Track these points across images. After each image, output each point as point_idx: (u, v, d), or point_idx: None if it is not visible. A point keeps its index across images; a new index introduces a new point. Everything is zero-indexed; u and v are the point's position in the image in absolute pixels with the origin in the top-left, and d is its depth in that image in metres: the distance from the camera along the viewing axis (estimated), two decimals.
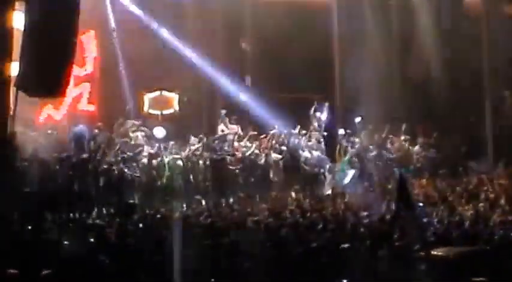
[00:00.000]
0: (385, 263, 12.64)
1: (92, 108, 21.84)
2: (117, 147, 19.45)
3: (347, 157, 21.01)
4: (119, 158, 19.15)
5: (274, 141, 20.67)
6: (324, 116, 21.96)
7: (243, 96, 22.34)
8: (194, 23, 22.53)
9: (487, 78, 23.27)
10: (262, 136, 20.93)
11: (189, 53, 21.93)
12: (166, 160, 19.56)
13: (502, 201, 16.59)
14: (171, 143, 20.20)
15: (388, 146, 21.50)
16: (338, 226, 14.35)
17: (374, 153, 21.18)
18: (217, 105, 22.57)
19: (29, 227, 14.17)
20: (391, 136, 21.61)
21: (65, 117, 21.34)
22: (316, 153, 20.97)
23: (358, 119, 21.98)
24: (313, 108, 21.86)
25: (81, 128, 20.20)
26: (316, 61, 23.05)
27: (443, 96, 23.04)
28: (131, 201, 17.96)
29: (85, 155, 18.98)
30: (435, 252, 12.61)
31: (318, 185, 20.41)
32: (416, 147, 21.73)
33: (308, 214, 15.87)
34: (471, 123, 23.36)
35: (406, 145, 21.70)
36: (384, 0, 23.94)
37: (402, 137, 21.71)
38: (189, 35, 22.26)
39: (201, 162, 19.91)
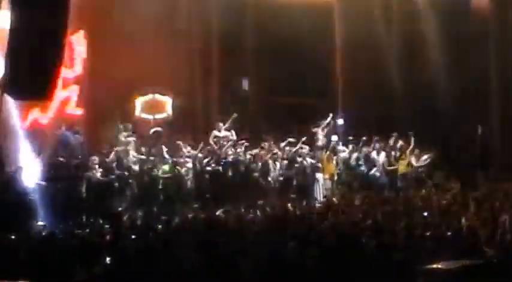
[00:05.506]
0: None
1: (80, 111, 21.24)
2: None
3: (334, 165, 20.65)
4: (109, 165, 18.70)
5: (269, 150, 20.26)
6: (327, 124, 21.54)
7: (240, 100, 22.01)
8: (191, 22, 22.16)
9: (494, 84, 22.95)
10: (259, 144, 20.48)
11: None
12: (159, 167, 19.12)
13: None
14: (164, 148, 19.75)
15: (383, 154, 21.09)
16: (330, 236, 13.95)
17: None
18: (212, 110, 22.16)
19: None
20: (391, 144, 21.22)
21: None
22: (309, 161, 20.54)
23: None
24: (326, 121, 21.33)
25: (68, 133, 19.77)
26: (318, 65, 22.75)
27: (449, 102, 22.72)
28: (119, 209, 17.57)
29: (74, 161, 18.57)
30: (438, 266, 12.23)
31: (311, 194, 19.99)
32: (420, 156, 21.31)
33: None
34: (478, 131, 22.94)
35: (408, 153, 21.29)
36: (388, 4, 23.62)
37: (410, 147, 21.24)
38: (186, 34, 21.87)
39: (195, 169, 19.47)
